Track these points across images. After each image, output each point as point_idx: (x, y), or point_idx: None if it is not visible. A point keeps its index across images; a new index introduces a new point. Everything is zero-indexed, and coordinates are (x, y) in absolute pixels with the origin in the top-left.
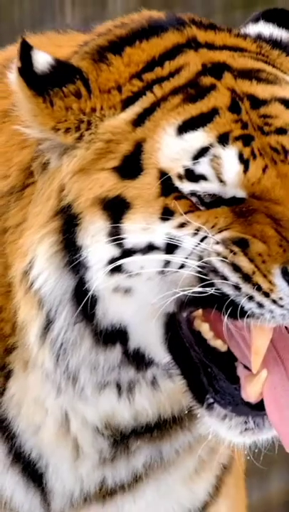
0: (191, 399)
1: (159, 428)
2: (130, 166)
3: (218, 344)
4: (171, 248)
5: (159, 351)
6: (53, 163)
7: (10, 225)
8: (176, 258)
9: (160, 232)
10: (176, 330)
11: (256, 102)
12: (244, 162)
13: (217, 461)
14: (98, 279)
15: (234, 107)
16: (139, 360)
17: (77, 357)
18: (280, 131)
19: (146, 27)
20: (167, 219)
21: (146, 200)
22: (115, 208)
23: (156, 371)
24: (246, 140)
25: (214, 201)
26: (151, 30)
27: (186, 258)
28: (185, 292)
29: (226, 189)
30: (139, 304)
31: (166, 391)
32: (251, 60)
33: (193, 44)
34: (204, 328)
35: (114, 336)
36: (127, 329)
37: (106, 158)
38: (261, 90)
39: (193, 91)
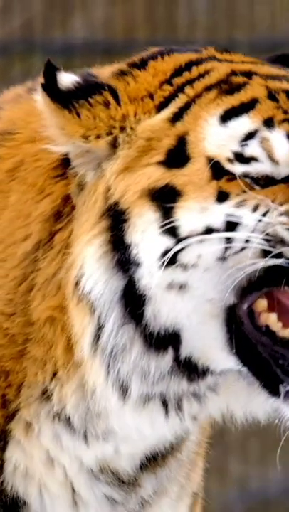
0: (266, 395)
1: (162, 454)
2: (176, 157)
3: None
4: (231, 227)
5: (216, 356)
6: (91, 176)
7: (39, 281)
8: (239, 234)
9: (218, 213)
10: (239, 327)
11: None
12: None
13: (191, 488)
14: (150, 275)
15: (272, 97)
16: (191, 369)
17: (128, 363)
18: None
19: (165, 49)
20: (223, 200)
21: (198, 186)
22: (165, 198)
23: (208, 383)
24: None
25: (268, 182)
26: (171, 50)
27: (250, 235)
28: (252, 268)
29: (280, 169)
30: (195, 302)
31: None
32: (274, 68)
33: (214, 58)
34: (272, 320)
35: (166, 341)
36: (180, 333)
37: (149, 155)
38: None
39: (227, 87)
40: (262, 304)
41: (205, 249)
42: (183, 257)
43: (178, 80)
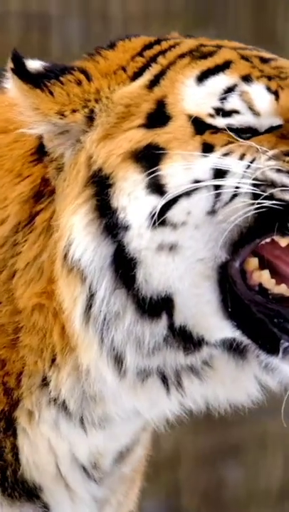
0: (264, 356)
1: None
2: (157, 118)
3: (283, 289)
4: (219, 176)
5: (210, 323)
6: (69, 154)
7: (20, 266)
8: (228, 181)
9: (205, 165)
10: (232, 288)
11: (264, 59)
12: (273, 93)
13: (128, 506)
14: (140, 236)
15: (246, 59)
16: (186, 338)
17: (121, 331)
18: None
19: (132, 34)
20: (209, 152)
21: (182, 141)
22: (149, 157)
23: (204, 355)
24: (268, 78)
25: (252, 133)
26: (138, 35)
27: (239, 181)
28: (243, 217)
29: (262, 120)
30: (187, 262)
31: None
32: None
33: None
34: (265, 277)
35: (159, 306)
36: (173, 297)
37: (129, 120)
38: (264, 54)
39: (199, 54)
40: (253, 262)
41: (194, 203)
42: (172, 216)
43: (149, 52)
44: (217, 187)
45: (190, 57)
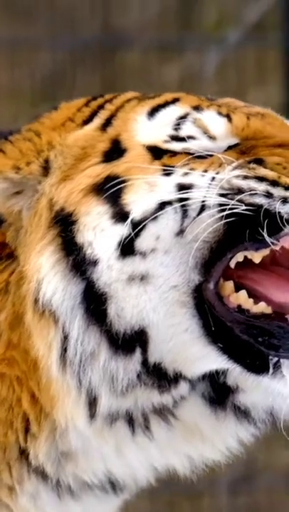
0: (253, 377)
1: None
2: (113, 153)
3: (263, 307)
4: (185, 194)
5: (191, 352)
6: (27, 211)
7: None
8: (194, 194)
9: (168, 185)
10: (211, 311)
11: (210, 99)
12: (225, 116)
13: None
14: (109, 269)
15: (194, 96)
16: (161, 375)
17: (97, 371)
18: (245, 106)
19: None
20: (170, 173)
21: (141, 168)
22: (110, 188)
23: (180, 392)
24: (218, 106)
25: (210, 155)
26: None
27: (204, 195)
28: (212, 231)
29: (218, 143)
30: (160, 292)
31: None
32: None
33: None
34: (243, 298)
35: (132, 340)
36: (147, 330)
37: (86, 160)
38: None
39: (146, 97)
40: (228, 286)
41: (161, 226)
42: (140, 243)
43: (95, 103)
44: (183, 204)
45: (137, 100)
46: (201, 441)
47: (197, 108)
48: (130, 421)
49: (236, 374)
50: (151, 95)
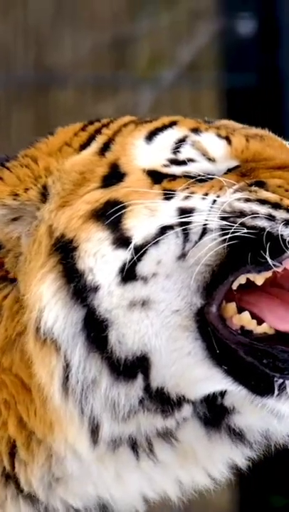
0: (258, 400)
1: None
2: (112, 178)
3: (266, 328)
4: (186, 218)
5: (194, 375)
6: (26, 237)
7: None
8: (195, 218)
9: (169, 209)
10: (214, 334)
11: (207, 121)
12: (224, 138)
13: None
14: (110, 295)
15: (192, 119)
16: (164, 399)
17: (99, 398)
18: (243, 128)
19: None
20: (171, 197)
21: (141, 192)
22: (110, 213)
23: (183, 414)
24: (217, 128)
25: (211, 178)
26: None
27: (206, 219)
28: (214, 254)
29: (218, 165)
30: (162, 317)
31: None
32: None
33: None
34: (246, 319)
35: (134, 367)
36: (149, 356)
37: (84, 186)
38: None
39: (143, 121)
40: (231, 308)
41: (163, 250)
42: (141, 268)
43: (92, 127)
44: (185, 228)
45: (134, 124)
46: (194, 465)
47: (196, 131)
48: (134, 446)
49: (234, 395)
50: (148, 119)
